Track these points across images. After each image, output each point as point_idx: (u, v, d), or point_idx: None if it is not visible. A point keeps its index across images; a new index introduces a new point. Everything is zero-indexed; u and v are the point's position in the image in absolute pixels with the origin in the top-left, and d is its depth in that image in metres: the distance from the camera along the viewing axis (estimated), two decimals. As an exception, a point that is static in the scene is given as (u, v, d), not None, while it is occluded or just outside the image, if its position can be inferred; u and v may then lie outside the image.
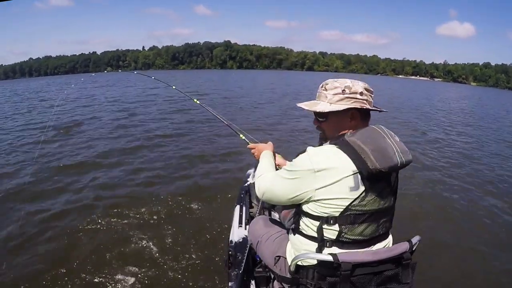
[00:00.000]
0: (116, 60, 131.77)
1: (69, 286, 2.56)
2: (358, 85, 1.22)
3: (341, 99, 1.21)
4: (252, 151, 1.72)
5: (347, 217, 1.11)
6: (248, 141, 1.90)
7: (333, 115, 1.25)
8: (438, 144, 8.23)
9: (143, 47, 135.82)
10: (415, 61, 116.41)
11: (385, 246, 1.22)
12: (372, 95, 1.25)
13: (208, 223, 3.46)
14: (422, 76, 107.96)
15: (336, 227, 1.13)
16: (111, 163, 5.53)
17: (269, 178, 1.31)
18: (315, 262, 1.15)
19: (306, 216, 1.20)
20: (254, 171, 2.35)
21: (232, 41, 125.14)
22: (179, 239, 3.18)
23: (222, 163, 5.59)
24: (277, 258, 1.46)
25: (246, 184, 2.92)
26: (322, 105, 1.25)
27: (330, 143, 1.21)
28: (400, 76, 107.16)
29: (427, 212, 4.17)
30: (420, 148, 7.61)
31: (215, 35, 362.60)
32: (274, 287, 1.57)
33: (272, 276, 1.66)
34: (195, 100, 2.87)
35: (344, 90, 1.21)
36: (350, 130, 1.22)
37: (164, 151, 6.37)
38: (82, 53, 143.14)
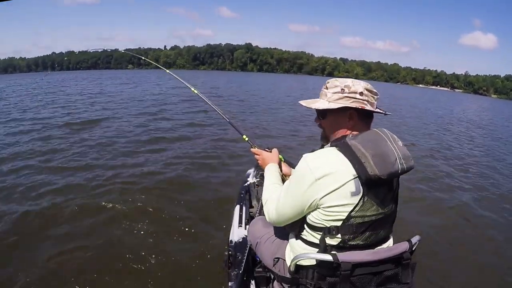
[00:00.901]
0: (138, 58, 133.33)
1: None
2: (358, 85, 1.20)
3: (340, 98, 1.20)
4: (256, 157, 1.70)
5: (349, 226, 1.11)
6: (251, 144, 1.83)
7: (331, 113, 1.24)
8: (450, 150, 8.45)
9: (165, 46, 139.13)
10: (436, 70, 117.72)
11: (385, 247, 1.22)
12: (375, 96, 1.22)
13: (208, 223, 3.47)
14: (443, 86, 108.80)
15: (339, 236, 1.12)
16: (112, 164, 5.44)
17: (275, 207, 1.28)
18: (314, 262, 1.15)
19: (308, 226, 1.20)
20: (254, 171, 2.72)
21: (253, 44, 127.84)
22: (179, 238, 3.20)
23: (222, 163, 5.59)
24: (276, 259, 1.47)
25: (246, 184, 2.91)
26: (320, 103, 1.25)
27: (330, 145, 1.20)
28: (421, 86, 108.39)
29: (427, 212, 4.25)
30: (425, 151, 7.98)
31: (236, 37, 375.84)
32: (274, 287, 1.53)
33: (272, 276, 1.64)
34: (192, 89, 2.49)
35: (343, 89, 1.20)
36: (350, 131, 1.22)
37: (164, 151, 6.33)
38: (104, 50, 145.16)
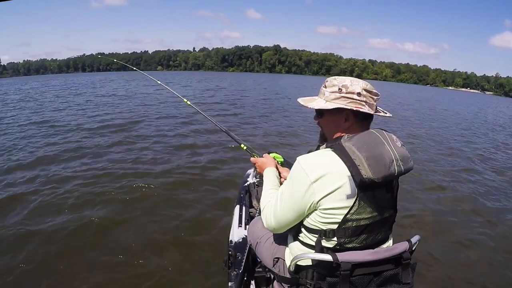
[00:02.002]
0: (167, 60, 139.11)
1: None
2: (356, 85, 1.18)
3: (337, 98, 1.19)
4: (256, 165, 1.70)
5: (345, 230, 1.11)
6: (250, 152, 1.92)
7: (328, 113, 1.24)
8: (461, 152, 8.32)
9: (194, 48, 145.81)
10: (466, 72, 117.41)
11: (385, 247, 1.22)
12: (375, 97, 1.19)
13: (208, 223, 3.50)
14: (473, 89, 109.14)
15: (335, 239, 1.13)
16: (113, 162, 5.53)
17: (272, 214, 1.27)
18: (314, 262, 1.16)
19: (305, 228, 1.21)
20: (254, 171, 2.90)
21: (282, 46, 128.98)
22: (178, 238, 3.22)
23: (222, 163, 5.64)
24: (276, 259, 1.49)
25: (246, 184, 2.92)
26: (317, 102, 1.25)
27: (326, 146, 1.20)
28: (450, 88, 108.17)
29: (427, 211, 4.27)
30: (428, 147, 8.13)
31: (264, 39, 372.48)
32: (274, 287, 1.53)
33: (272, 276, 1.65)
34: (186, 101, 2.73)
35: (340, 89, 1.18)
36: (345, 132, 1.21)
37: (165, 150, 6.42)
38: (134, 52, 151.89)
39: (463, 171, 6.39)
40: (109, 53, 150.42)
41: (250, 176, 3.07)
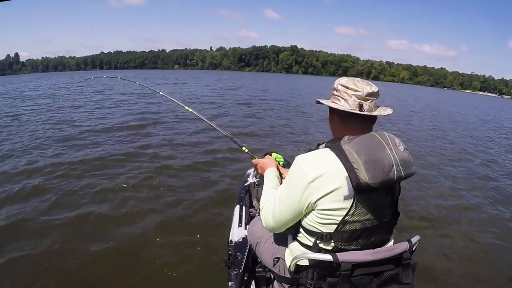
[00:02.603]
0: (184, 59, 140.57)
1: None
2: (338, 82, 1.22)
3: (331, 96, 1.27)
4: (257, 166, 1.73)
5: (342, 233, 1.12)
6: (251, 154, 2.00)
7: (330, 111, 1.30)
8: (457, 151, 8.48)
9: (211, 47, 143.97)
10: (483, 75, 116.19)
11: (385, 247, 1.23)
12: (351, 92, 1.17)
13: (208, 223, 3.53)
14: (490, 92, 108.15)
15: (332, 242, 1.15)
16: (107, 162, 5.56)
17: (271, 213, 1.28)
18: (315, 262, 1.17)
19: (303, 229, 1.23)
20: (254, 171, 2.91)
21: (299, 46, 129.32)
22: (178, 238, 3.25)
23: (222, 163, 5.66)
24: (276, 259, 1.51)
25: (246, 184, 2.94)
26: (324, 101, 1.31)
27: (325, 146, 1.21)
28: (468, 91, 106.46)
29: (427, 211, 4.29)
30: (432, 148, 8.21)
31: (281, 39, 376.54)
32: (274, 287, 1.55)
33: (272, 276, 1.66)
34: (187, 108, 2.83)
35: (333, 87, 1.25)
36: (337, 130, 1.25)
37: (164, 150, 6.43)
38: (151, 50, 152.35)
39: (475, 176, 6.40)
40: (126, 51, 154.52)
41: (250, 176, 3.10)
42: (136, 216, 3.66)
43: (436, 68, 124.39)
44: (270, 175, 1.56)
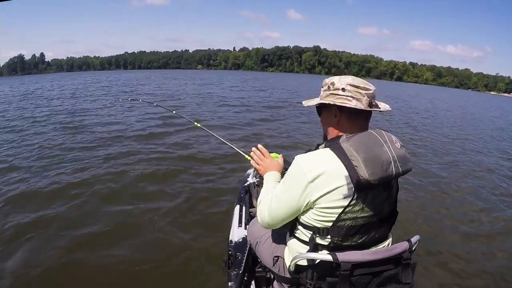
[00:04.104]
0: (207, 59, 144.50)
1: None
2: (342, 81, 1.22)
3: (327, 96, 1.25)
4: (258, 167, 1.62)
5: (339, 228, 1.14)
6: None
7: (323, 111, 1.32)
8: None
9: (234, 47, 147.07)
10: (509, 77, 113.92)
11: (383, 246, 1.26)
12: (363, 91, 1.20)
13: (207, 223, 3.56)
14: None
15: (329, 237, 1.17)
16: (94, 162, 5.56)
17: (267, 209, 1.30)
18: (314, 262, 1.19)
19: (300, 224, 1.25)
20: (254, 171, 2.95)
21: (322, 47, 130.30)
22: (178, 238, 3.27)
23: (222, 163, 5.70)
24: (276, 258, 1.53)
25: (246, 184, 2.97)
26: (313, 101, 1.32)
27: (325, 146, 1.23)
28: (492, 93, 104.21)
29: (427, 211, 4.33)
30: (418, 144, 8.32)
31: (304, 39, 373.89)
32: (274, 287, 1.57)
33: (272, 276, 1.68)
34: (196, 123, 2.97)
35: (329, 86, 1.24)
36: (337, 128, 1.26)
37: (165, 152, 6.43)
38: (175, 50, 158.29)
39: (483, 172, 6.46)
40: (150, 51, 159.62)
41: (250, 176, 3.11)
42: (136, 216, 3.70)
43: (460, 69, 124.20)
44: (271, 178, 1.51)
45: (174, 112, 3.68)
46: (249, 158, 1.75)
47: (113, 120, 9.88)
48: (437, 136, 10.12)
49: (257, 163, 1.61)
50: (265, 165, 1.58)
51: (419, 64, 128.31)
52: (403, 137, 8.68)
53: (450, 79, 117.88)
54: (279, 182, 1.43)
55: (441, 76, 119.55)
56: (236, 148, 2.21)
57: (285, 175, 1.26)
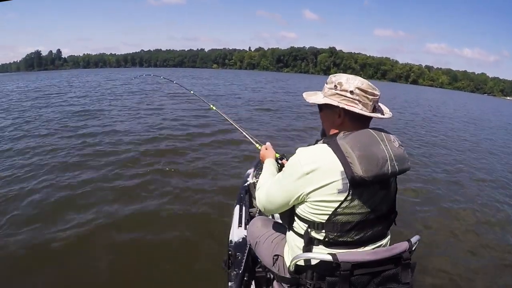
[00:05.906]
0: (223, 58, 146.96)
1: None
2: (351, 83, 1.22)
3: (332, 94, 1.26)
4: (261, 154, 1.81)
5: (333, 224, 1.17)
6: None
7: (325, 108, 1.32)
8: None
9: (249, 47, 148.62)
10: None
11: (381, 246, 1.27)
12: (371, 97, 1.23)
13: (207, 223, 3.59)
14: None
15: (323, 232, 1.20)
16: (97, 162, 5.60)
17: (265, 192, 1.39)
18: (314, 262, 1.20)
19: (297, 217, 1.29)
20: (254, 171, 3.04)
21: (337, 48, 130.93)
22: (178, 239, 3.30)
23: (222, 163, 5.73)
24: (276, 257, 1.56)
25: (246, 184, 3.02)
26: (315, 97, 1.34)
27: (323, 142, 1.24)
28: (508, 98, 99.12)
29: (427, 211, 4.40)
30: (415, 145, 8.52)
31: (320, 40, 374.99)
32: (274, 287, 1.58)
33: (272, 276, 1.70)
34: (212, 106, 3.15)
35: (336, 86, 1.25)
36: (339, 129, 1.27)
37: (164, 149, 6.51)
38: (190, 49, 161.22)
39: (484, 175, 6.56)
40: (166, 49, 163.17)
41: (250, 176, 3.13)
42: (135, 216, 3.73)
43: (476, 73, 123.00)
44: (268, 165, 1.67)
45: (192, 92, 3.89)
46: (259, 147, 2.06)
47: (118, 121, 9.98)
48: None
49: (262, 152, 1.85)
50: (262, 153, 1.85)
51: (435, 67, 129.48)
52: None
53: (466, 83, 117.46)
54: (276, 166, 1.70)
55: (456, 80, 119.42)
56: (249, 137, 2.36)
57: (286, 164, 1.31)
